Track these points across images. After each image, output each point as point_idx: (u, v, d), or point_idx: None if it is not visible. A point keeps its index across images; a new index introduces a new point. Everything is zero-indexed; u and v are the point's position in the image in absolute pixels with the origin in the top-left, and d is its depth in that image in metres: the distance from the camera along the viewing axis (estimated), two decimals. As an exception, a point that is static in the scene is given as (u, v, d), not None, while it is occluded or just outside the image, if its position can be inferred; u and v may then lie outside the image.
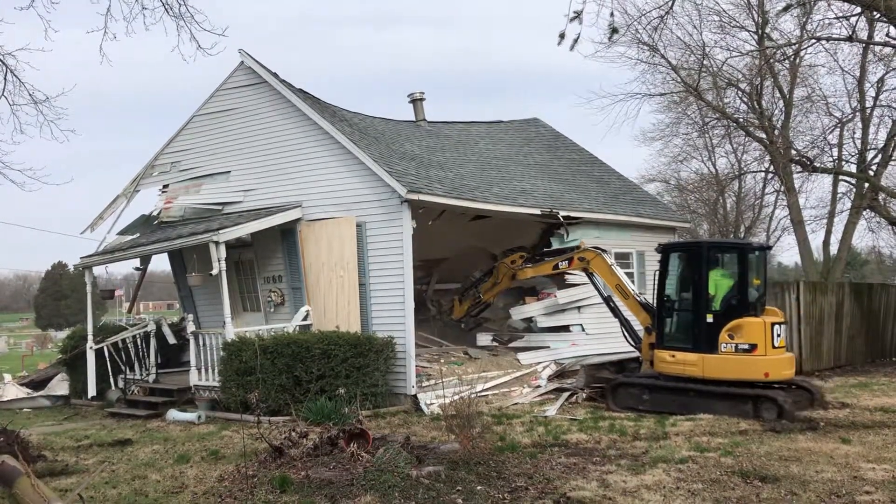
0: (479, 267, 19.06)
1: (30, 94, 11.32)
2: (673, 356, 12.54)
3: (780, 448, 9.54)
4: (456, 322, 17.88)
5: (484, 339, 17.46)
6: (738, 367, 11.92)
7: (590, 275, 14.71)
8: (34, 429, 12.90)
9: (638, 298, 13.80)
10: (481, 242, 19.35)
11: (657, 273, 13.22)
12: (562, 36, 8.89)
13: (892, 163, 25.44)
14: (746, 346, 11.92)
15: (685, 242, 13.54)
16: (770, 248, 14.39)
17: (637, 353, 13.97)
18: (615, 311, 14.33)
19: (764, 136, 27.16)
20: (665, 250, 13.26)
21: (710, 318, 12.26)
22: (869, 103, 24.99)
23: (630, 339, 14.04)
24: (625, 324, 14.15)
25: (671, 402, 12.34)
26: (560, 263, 15.25)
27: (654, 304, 13.20)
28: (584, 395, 14.11)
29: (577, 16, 8.62)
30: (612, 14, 9.81)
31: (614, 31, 10.65)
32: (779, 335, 12.13)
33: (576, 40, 8.93)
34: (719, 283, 12.47)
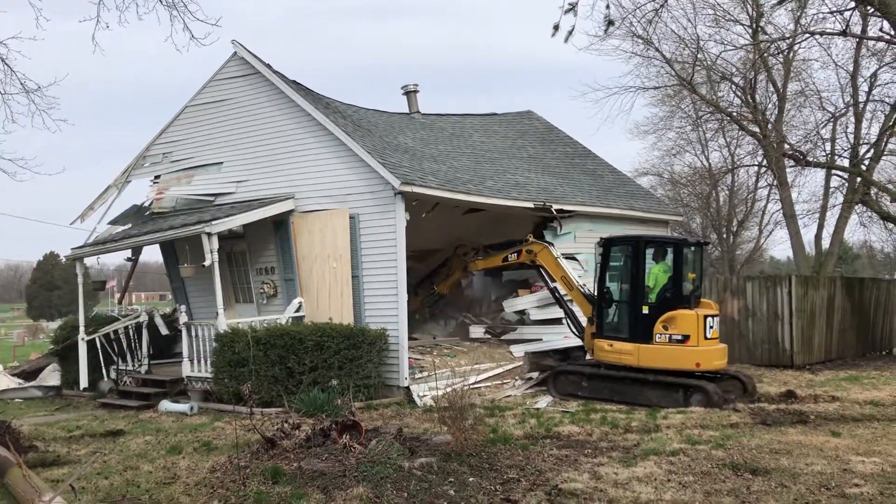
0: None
1: (21, 84, 11.24)
2: (611, 345, 13.04)
3: (771, 441, 9.60)
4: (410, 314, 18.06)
5: (477, 331, 17.49)
6: (671, 356, 12.39)
7: (537, 267, 15.09)
8: (25, 419, 12.87)
9: (582, 290, 14.13)
10: (475, 236, 19.34)
11: (597, 265, 13.61)
12: (556, 28, 8.85)
13: (884, 157, 25.51)
14: (679, 337, 12.39)
15: (625, 236, 14.04)
16: (707, 243, 14.77)
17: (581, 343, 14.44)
18: (560, 302, 14.81)
19: (757, 130, 27.22)
20: (606, 244, 13.63)
21: (645, 310, 12.71)
22: (862, 98, 25.04)
23: (574, 329, 14.49)
24: (569, 314, 14.60)
25: (608, 389, 12.85)
26: (510, 256, 15.64)
27: (594, 296, 13.65)
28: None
29: (572, 7, 8.58)
30: (608, 6, 9.73)
31: (610, 23, 10.60)
32: (711, 327, 12.56)
33: (570, 32, 8.89)
34: (658, 277, 12.90)
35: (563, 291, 14.62)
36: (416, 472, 7.91)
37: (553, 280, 14.80)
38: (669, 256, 13.03)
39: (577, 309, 14.59)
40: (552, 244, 15.12)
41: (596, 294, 13.55)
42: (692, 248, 13.27)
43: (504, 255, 15.79)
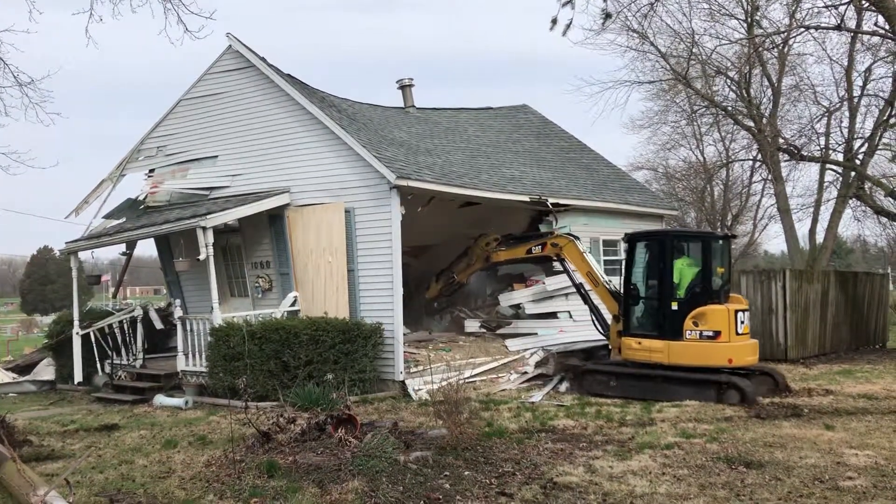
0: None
1: (14, 76, 11.20)
2: (639, 343, 12.80)
3: (765, 434, 9.64)
4: (428, 302, 18.01)
5: (472, 325, 17.50)
6: (702, 353, 12.17)
7: (561, 261, 14.89)
8: (20, 414, 12.84)
9: (608, 287, 13.95)
10: (470, 230, 19.32)
11: (623, 262, 13.40)
12: (554, 21, 8.88)
13: (878, 152, 25.56)
14: (710, 333, 12.19)
15: (650, 232, 13.82)
16: (735, 237, 14.67)
17: (606, 341, 14.19)
18: (585, 298, 14.53)
19: (752, 124, 27.24)
20: (631, 240, 13.45)
21: (674, 306, 12.50)
22: (856, 92, 25.09)
23: (599, 327, 14.23)
24: (594, 311, 14.35)
25: (637, 387, 12.61)
26: (534, 248, 15.38)
27: (621, 293, 13.41)
28: (562, 385, 14.24)
29: (570, 1, 8.60)
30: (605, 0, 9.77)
31: (607, 16, 10.65)
32: (742, 322, 12.37)
33: (568, 26, 8.93)
34: (684, 272, 12.71)
35: (588, 287, 14.32)
36: (411, 465, 7.92)
37: (576, 275, 14.41)
38: (697, 251, 12.80)
39: (600, 304, 14.31)
40: (578, 238, 14.82)
41: (623, 291, 13.30)
42: (720, 242, 13.06)
43: (528, 247, 15.52)
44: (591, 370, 13.44)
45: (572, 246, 14.54)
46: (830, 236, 27.07)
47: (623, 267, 13.38)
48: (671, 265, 12.68)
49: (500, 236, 16.67)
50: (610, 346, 13.93)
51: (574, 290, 16.76)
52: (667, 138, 35.24)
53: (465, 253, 17.28)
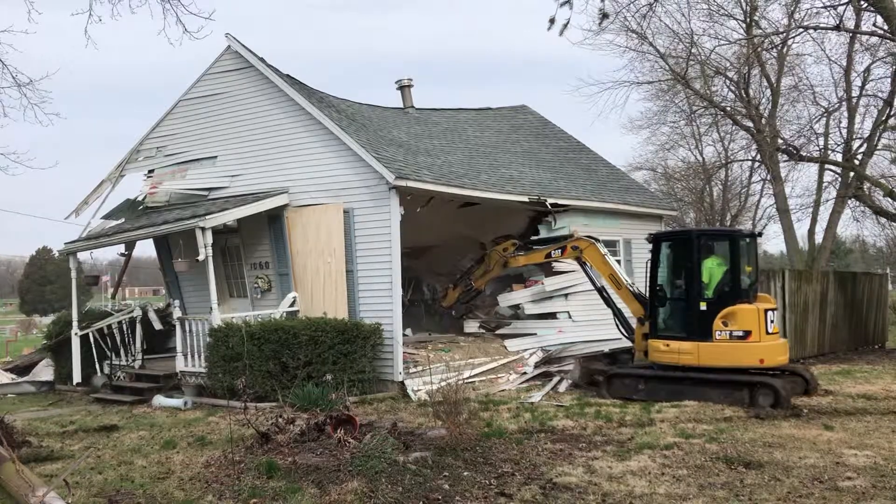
0: (467, 255, 19.07)
1: (13, 77, 11.19)
2: (667, 345, 12.49)
3: (764, 434, 9.64)
4: (445, 310, 17.81)
5: (471, 325, 17.50)
6: (733, 353, 11.89)
7: (582, 264, 14.58)
8: (19, 414, 12.83)
9: (631, 289, 13.70)
10: (469, 230, 19.33)
11: (648, 263, 13.15)
12: (552, 21, 8.88)
13: (877, 152, 25.59)
14: (741, 333, 11.89)
15: (676, 231, 13.46)
16: (760, 234, 14.46)
17: (629, 344, 13.91)
18: (608, 301, 14.20)
19: (751, 124, 27.26)
20: (656, 240, 13.19)
21: (703, 307, 12.20)
22: (855, 93, 25.11)
23: (623, 330, 13.95)
24: (618, 314, 13.97)
25: (666, 390, 12.29)
26: (553, 252, 15.11)
27: (647, 295, 13.13)
28: (562, 385, 14.17)
29: (568, 0, 8.60)
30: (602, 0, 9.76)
31: (605, 15, 10.66)
32: (772, 321, 12.11)
33: (566, 25, 8.92)
34: (713, 271, 12.43)
35: (610, 290, 14.02)
36: (410, 466, 7.91)
37: (598, 278, 14.12)
38: (725, 249, 12.55)
39: (623, 306, 13.99)
40: (598, 240, 14.61)
41: (648, 293, 13.04)
42: (747, 240, 12.79)
43: (547, 252, 15.23)
44: (619, 374, 13.08)
45: (594, 249, 14.30)
46: (829, 236, 27.09)
47: (648, 268, 13.10)
48: (699, 265, 12.37)
49: (516, 241, 16.43)
50: (634, 350, 13.66)
51: (574, 290, 16.84)
52: (666, 138, 35.33)
53: (481, 259, 16.97)
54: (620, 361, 13.97)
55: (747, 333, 11.87)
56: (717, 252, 12.65)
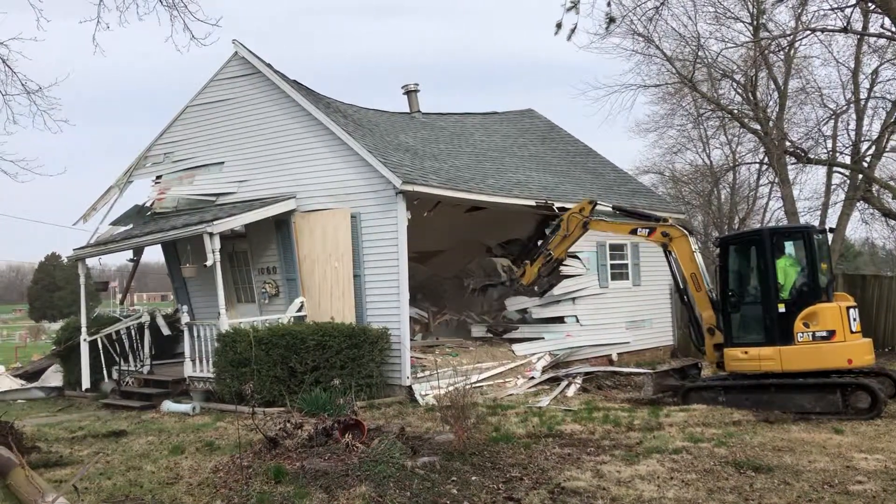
0: (474, 258, 19.03)
1: (22, 84, 11.23)
2: (745, 353, 11.88)
3: (774, 438, 9.59)
4: (527, 287, 16.11)
5: (479, 330, 17.48)
6: (818, 356, 11.30)
7: (667, 253, 13.52)
8: (28, 420, 12.87)
9: (710, 294, 12.79)
10: (476, 234, 19.33)
11: (716, 269, 12.65)
12: (559, 26, 8.88)
13: (885, 154, 25.42)
14: (824, 334, 11.31)
15: (745, 232, 12.57)
16: (833, 230, 13.55)
17: (694, 359, 13.26)
18: (690, 306, 13.20)
19: (758, 127, 27.13)
20: (724, 243, 12.65)
21: (781, 308, 11.60)
22: (863, 95, 24.95)
23: (695, 338, 13.19)
24: (694, 320, 13.08)
25: (750, 400, 11.66)
26: (640, 230, 13.70)
27: (719, 302, 12.49)
28: (570, 389, 14.07)
29: (575, 5, 8.60)
30: (609, 3, 9.74)
31: (611, 20, 10.61)
32: (855, 319, 11.60)
33: (573, 30, 8.92)
34: (787, 271, 11.86)
35: (690, 291, 13.07)
36: (418, 471, 7.91)
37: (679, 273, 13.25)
38: (798, 247, 11.95)
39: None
40: (692, 233, 13.62)
41: (720, 299, 12.39)
42: (820, 236, 12.14)
43: (633, 227, 13.86)
44: (696, 388, 12.51)
45: (684, 241, 13.01)
46: (838, 239, 26.91)
47: (717, 273, 12.56)
48: (773, 265, 11.76)
49: (594, 200, 14.91)
50: (705, 361, 13.13)
51: (581, 294, 16.78)
52: (673, 142, 35.18)
53: (557, 227, 15.11)
54: (690, 376, 13.27)
55: (831, 333, 11.28)
56: (789, 251, 12.08)
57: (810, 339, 11.39)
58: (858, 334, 11.70)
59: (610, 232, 14.66)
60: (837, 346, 11.28)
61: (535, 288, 16.23)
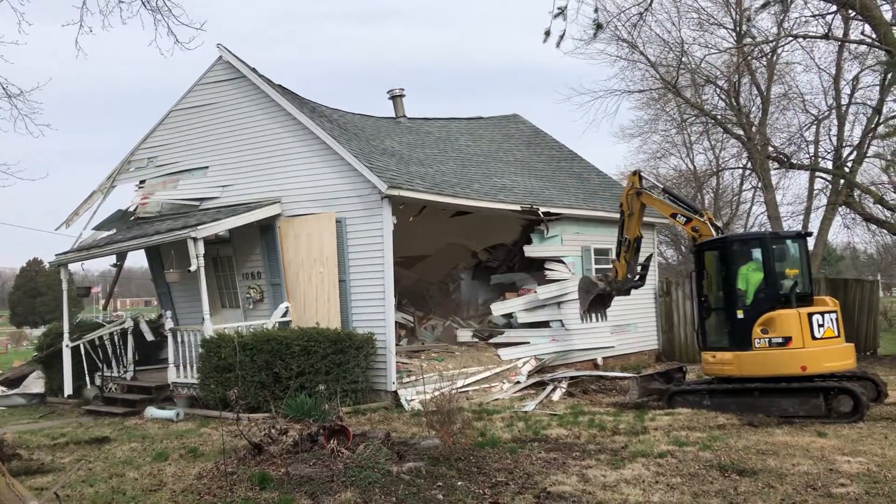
0: (459, 263, 19.06)
1: (3, 88, 11.13)
2: (714, 356, 12.23)
3: (758, 442, 9.65)
4: (625, 281, 15.75)
5: (465, 334, 17.48)
6: (772, 362, 11.47)
7: (696, 249, 13.44)
8: (9, 427, 12.74)
9: None
10: (462, 239, 19.36)
11: (693, 274, 12.90)
12: (547, 33, 8.94)
13: (867, 160, 25.75)
14: (780, 340, 11.45)
15: (714, 240, 12.83)
16: (810, 234, 13.60)
17: (679, 363, 13.55)
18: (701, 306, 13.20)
19: (741, 132, 27.40)
20: (698, 250, 12.90)
21: (740, 315, 11.87)
22: (844, 101, 25.27)
23: (699, 341, 13.14)
24: (702, 324, 13.04)
25: (734, 404, 11.78)
26: (679, 216, 13.76)
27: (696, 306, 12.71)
28: (555, 394, 14.05)
29: (562, 11, 8.65)
30: (595, 10, 9.80)
31: (599, 26, 10.67)
32: (821, 325, 11.56)
33: (561, 37, 8.99)
34: (749, 277, 12.03)
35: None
36: (404, 476, 7.89)
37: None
38: (758, 254, 12.13)
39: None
40: (721, 232, 13.59)
41: (695, 304, 12.72)
42: (787, 242, 12.43)
43: (674, 212, 13.86)
44: (681, 391, 12.66)
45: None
46: (820, 243, 27.20)
47: (691, 279, 12.85)
48: (734, 271, 12.08)
49: (639, 170, 15.04)
50: (684, 369, 13.65)
51: (566, 298, 16.83)
52: (657, 147, 35.43)
53: (620, 213, 15.12)
54: (675, 381, 13.38)
55: (787, 340, 11.40)
56: (755, 257, 12.20)
57: (766, 345, 11.56)
58: (826, 340, 11.63)
59: (655, 208, 14.71)
60: (794, 353, 11.35)
61: (634, 277, 15.89)
